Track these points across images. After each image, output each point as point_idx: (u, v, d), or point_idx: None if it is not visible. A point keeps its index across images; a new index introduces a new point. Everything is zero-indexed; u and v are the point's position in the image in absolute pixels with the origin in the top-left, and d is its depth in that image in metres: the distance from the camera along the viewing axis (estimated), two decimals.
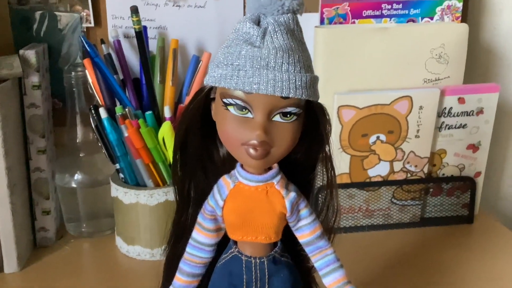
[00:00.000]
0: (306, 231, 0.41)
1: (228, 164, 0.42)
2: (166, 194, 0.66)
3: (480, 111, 0.72)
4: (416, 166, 0.73)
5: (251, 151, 0.37)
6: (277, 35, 0.35)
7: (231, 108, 0.37)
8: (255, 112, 0.36)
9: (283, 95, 0.35)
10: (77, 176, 0.71)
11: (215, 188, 0.41)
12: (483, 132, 0.74)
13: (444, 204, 0.76)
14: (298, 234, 0.41)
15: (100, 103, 0.69)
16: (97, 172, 0.72)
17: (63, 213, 0.74)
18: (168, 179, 0.68)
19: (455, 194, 0.76)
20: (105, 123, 0.66)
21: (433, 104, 0.70)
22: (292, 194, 0.39)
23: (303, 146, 0.41)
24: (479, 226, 0.77)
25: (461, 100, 0.71)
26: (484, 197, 0.80)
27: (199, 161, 0.43)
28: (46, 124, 0.68)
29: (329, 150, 0.41)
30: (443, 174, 0.75)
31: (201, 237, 0.42)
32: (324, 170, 0.41)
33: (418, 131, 0.70)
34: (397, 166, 0.72)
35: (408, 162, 0.72)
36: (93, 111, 0.67)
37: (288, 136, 0.37)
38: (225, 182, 0.41)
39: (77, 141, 0.72)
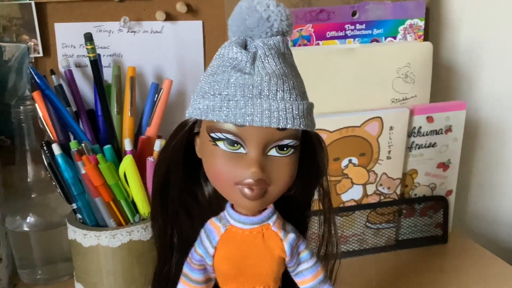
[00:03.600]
0: (307, 276, 0.37)
1: (215, 204, 0.37)
2: (130, 234, 0.61)
3: (449, 129, 0.72)
4: (389, 188, 0.71)
5: (246, 191, 0.33)
6: (268, 60, 0.32)
7: (220, 144, 0.33)
8: (249, 147, 0.32)
9: (280, 127, 0.31)
10: (30, 219, 0.66)
11: (202, 234, 0.37)
12: (452, 150, 0.73)
13: (418, 225, 0.75)
14: (298, 280, 0.37)
15: (53, 138, 0.64)
16: (51, 214, 0.67)
17: (16, 260, 0.69)
18: (132, 218, 0.63)
19: (428, 214, 0.75)
20: (59, 160, 0.61)
21: (403, 124, 0.69)
22: (291, 236, 0.35)
23: (298, 180, 0.36)
24: (453, 245, 0.76)
25: (429, 119, 0.70)
26: (456, 215, 0.80)
27: (182, 202, 0.38)
28: None
29: (327, 184, 0.37)
30: (415, 195, 0.74)
31: None
32: (321, 205, 0.38)
33: (389, 152, 0.69)
34: (370, 189, 0.70)
35: (381, 185, 0.70)
36: (45, 147, 0.61)
37: (286, 171, 0.33)
38: (214, 226, 0.36)
39: (28, 180, 0.67)
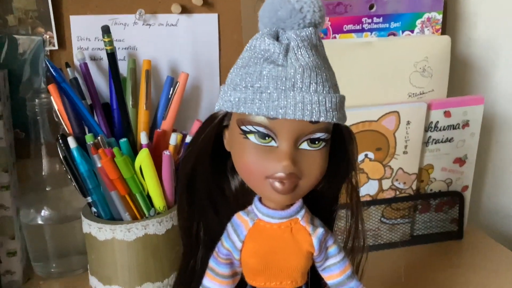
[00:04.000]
0: (335, 271, 0.36)
1: (242, 198, 0.37)
2: (145, 228, 0.61)
3: (466, 124, 0.71)
4: (404, 183, 0.70)
5: (277, 185, 0.32)
6: (301, 52, 0.31)
7: (251, 137, 0.32)
8: (280, 140, 0.32)
9: (313, 120, 0.31)
10: (44, 212, 0.66)
11: (229, 228, 0.36)
12: (469, 145, 0.72)
13: (433, 220, 0.74)
14: (325, 275, 0.36)
15: (68, 131, 0.63)
16: (66, 207, 0.67)
17: (30, 253, 0.69)
18: (147, 211, 0.63)
19: (443, 209, 0.74)
20: (75, 153, 0.61)
21: (420, 119, 0.68)
22: (320, 230, 0.35)
23: (327, 174, 0.36)
24: (468, 241, 0.75)
25: (447, 114, 0.69)
26: (472, 211, 0.79)
27: (209, 197, 0.38)
28: (9, 158, 0.62)
29: (356, 179, 0.37)
30: (431, 190, 0.73)
31: (214, 284, 0.37)
32: (349, 201, 0.37)
33: (406, 147, 0.68)
34: (386, 184, 0.70)
35: (397, 180, 0.70)
36: (60, 140, 0.61)
37: (317, 165, 0.33)
38: (242, 220, 0.36)
39: (43, 174, 0.66)
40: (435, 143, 0.71)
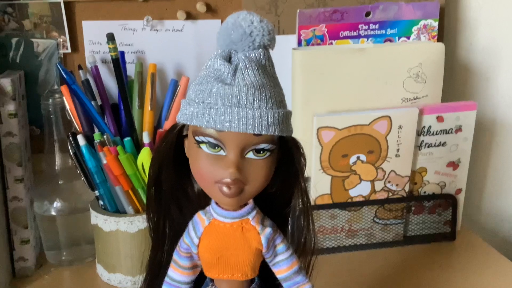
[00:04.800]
0: (283, 267, 0.40)
1: (203, 199, 0.41)
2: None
3: (459, 129, 0.73)
4: (397, 185, 0.73)
5: (225, 189, 0.36)
6: (248, 72, 0.35)
7: (203, 146, 0.36)
8: (228, 150, 0.36)
9: (256, 133, 0.35)
10: (56, 204, 0.70)
11: (190, 225, 0.41)
12: (463, 150, 0.74)
13: (426, 222, 0.77)
14: (275, 270, 0.41)
15: (78, 129, 0.68)
16: (77, 199, 0.71)
17: (43, 242, 0.73)
18: None
19: (436, 211, 0.76)
20: (84, 150, 0.65)
21: (412, 123, 0.70)
22: (268, 230, 0.39)
23: (278, 180, 0.40)
24: (461, 243, 0.77)
25: (439, 119, 0.71)
26: (465, 213, 0.81)
27: (174, 197, 0.42)
28: (23, 153, 0.67)
29: (305, 183, 0.40)
30: (425, 192, 0.75)
31: (177, 275, 0.42)
32: (301, 203, 0.41)
33: (398, 150, 0.71)
34: (379, 185, 0.72)
35: (389, 181, 0.72)
36: (71, 138, 0.66)
37: (261, 172, 0.37)
38: (200, 219, 0.40)
39: (56, 168, 0.71)
40: (428, 147, 0.73)
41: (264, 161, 0.37)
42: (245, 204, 0.39)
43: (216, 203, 0.39)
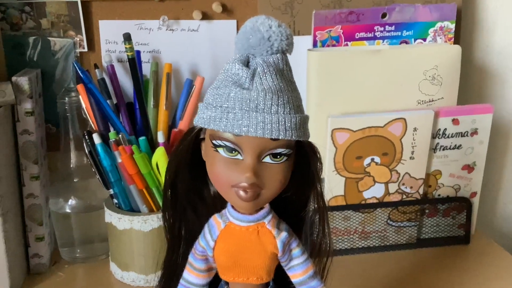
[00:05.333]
0: (298, 271, 0.40)
1: (219, 202, 0.41)
2: (160, 220, 0.65)
3: (475, 132, 0.72)
4: (411, 187, 0.72)
5: (241, 193, 0.36)
6: (266, 77, 0.35)
7: (220, 150, 0.36)
8: (245, 154, 0.36)
9: (273, 137, 0.35)
10: (71, 201, 0.71)
11: (205, 228, 0.41)
12: (478, 153, 0.74)
13: (440, 224, 0.76)
14: (290, 274, 0.41)
15: (94, 128, 0.69)
16: (91, 197, 0.72)
17: (57, 239, 0.74)
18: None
19: (451, 214, 0.76)
20: (99, 149, 0.66)
21: (427, 126, 0.70)
22: (284, 234, 0.39)
23: (294, 184, 0.40)
24: (475, 246, 0.76)
25: (455, 122, 0.71)
26: (480, 217, 0.80)
27: (189, 200, 0.42)
28: (39, 150, 0.68)
29: (321, 187, 0.40)
30: (439, 195, 0.75)
31: (192, 277, 0.42)
32: (316, 207, 0.41)
33: (412, 152, 0.70)
34: (392, 187, 0.72)
35: (403, 184, 0.72)
36: (86, 136, 0.66)
37: (278, 177, 0.37)
38: (216, 222, 0.40)
39: (71, 166, 0.72)
40: (443, 149, 0.72)
41: (281, 166, 0.37)
42: (261, 208, 0.39)
43: (232, 207, 0.40)
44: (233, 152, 0.36)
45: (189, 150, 0.40)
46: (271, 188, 0.37)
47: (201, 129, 0.39)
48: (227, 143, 0.36)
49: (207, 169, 0.39)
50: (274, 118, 0.35)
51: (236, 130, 0.35)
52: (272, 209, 0.39)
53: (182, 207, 0.43)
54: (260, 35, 0.35)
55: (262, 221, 0.39)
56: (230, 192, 0.37)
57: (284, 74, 0.36)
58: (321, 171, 0.40)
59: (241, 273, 0.40)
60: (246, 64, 0.36)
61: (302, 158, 0.39)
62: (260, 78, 0.35)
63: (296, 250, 0.40)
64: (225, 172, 0.37)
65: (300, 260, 0.40)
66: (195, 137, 0.39)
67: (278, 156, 0.36)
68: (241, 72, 0.35)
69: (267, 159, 0.36)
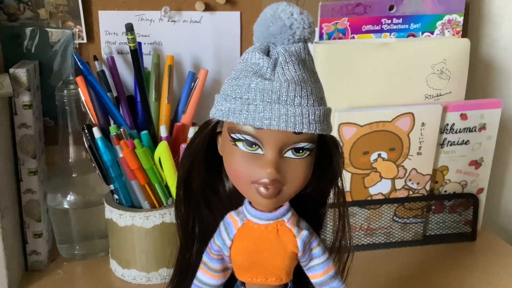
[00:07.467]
0: (319, 271, 0.38)
1: (235, 199, 0.39)
2: (163, 216, 0.64)
3: (483, 127, 0.71)
4: (418, 183, 0.71)
5: (262, 189, 0.34)
6: (288, 66, 0.33)
7: (240, 144, 0.34)
8: (266, 149, 0.34)
9: (296, 131, 0.33)
10: (70, 197, 0.69)
11: (221, 226, 0.39)
12: (486, 148, 0.72)
13: (446, 221, 0.75)
14: (310, 274, 0.39)
15: (93, 122, 0.67)
16: (90, 193, 0.70)
17: (55, 235, 0.72)
18: (165, 201, 0.65)
19: (457, 211, 0.75)
20: (99, 143, 0.64)
21: (435, 121, 0.68)
22: (304, 233, 0.37)
23: (314, 180, 0.38)
24: (481, 243, 0.75)
25: (463, 116, 0.70)
26: (486, 213, 0.79)
27: (204, 196, 0.40)
28: (38, 144, 0.66)
29: (342, 183, 0.39)
30: (445, 191, 0.74)
31: (207, 277, 0.40)
32: (336, 203, 0.39)
33: (420, 148, 0.69)
34: (399, 183, 0.71)
35: (410, 180, 0.71)
36: (86, 130, 0.65)
37: (301, 173, 0.35)
38: (233, 220, 0.38)
39: (70, 160, 0.70)
40: (451, 145, 0.71)
41: (303, 161, 0.35)
42: (280, 205, 0.37)
43: (250, 204, 0.38)
44: (253, 146, 0.34)
45: (205, 145, 0.38)
46: (293, 184, 0.35)
47: (218, 122, 0.37)
48: (247, 137, 0.34)
49: (225, 164, 0.37)
50: (298, 111, 0.33)
51: (257, 123, 0.33)
52: (291, 207, 0.38)
53: (195, 203, 0.40)
54: (281, 23, 0.33)
55: (281, 219, 0.37)
56: (250, 188, 0.35)
57: (306, 64, 0.34)
58: (343, 167, 0.38)
59: (260, 274, 0.38)
60: (267, 53, 0.34)
61: (323, 153, 0.37)
62: (282, 68, 0.33)
63: (316, 250, 0.38)
64: (245, 168, 0.35)
65: (320, 260, 0.38)
66: (211, 130, 0.37)
67: (301, 151, 0.34)
68: (262, 61, 0.33)
69: (289, 154, 0.34)
